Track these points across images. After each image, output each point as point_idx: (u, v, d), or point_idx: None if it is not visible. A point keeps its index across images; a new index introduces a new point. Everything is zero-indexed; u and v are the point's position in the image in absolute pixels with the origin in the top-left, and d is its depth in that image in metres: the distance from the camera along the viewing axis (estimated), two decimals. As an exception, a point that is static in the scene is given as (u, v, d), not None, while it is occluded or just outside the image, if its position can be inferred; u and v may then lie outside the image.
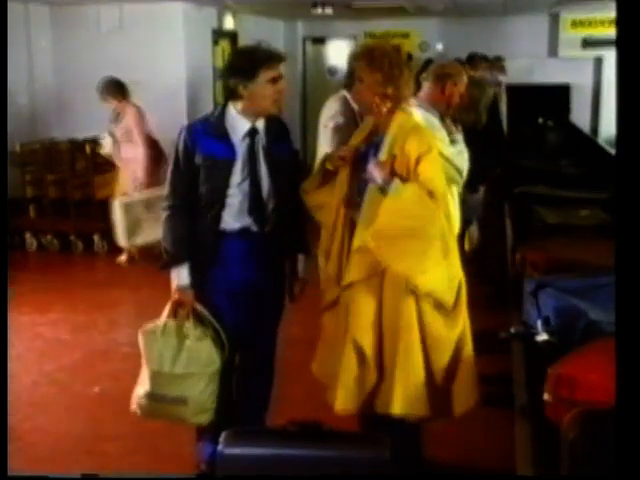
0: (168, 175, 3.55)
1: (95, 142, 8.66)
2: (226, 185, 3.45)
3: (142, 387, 3.59)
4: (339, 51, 13.25)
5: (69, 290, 7.45)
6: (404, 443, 3.44)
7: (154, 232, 7.50)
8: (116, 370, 5.10)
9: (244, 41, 11.06)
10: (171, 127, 8.58)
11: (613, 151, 6.49)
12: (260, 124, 3.50)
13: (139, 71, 9.75)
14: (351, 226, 3.38)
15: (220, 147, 3.44)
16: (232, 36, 11.57)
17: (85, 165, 8.59)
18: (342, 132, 3.96)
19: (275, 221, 3.56)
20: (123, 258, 8.07)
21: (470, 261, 5.41)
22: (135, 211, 7.47)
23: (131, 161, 7.82)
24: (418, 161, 3.23)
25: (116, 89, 7.85)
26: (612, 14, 11.15)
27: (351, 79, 3.46)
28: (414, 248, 3.24)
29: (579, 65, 12.94)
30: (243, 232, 3.53)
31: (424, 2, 11.07)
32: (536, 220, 4.98)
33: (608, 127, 12.03)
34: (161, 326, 3.54)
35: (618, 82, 2.01)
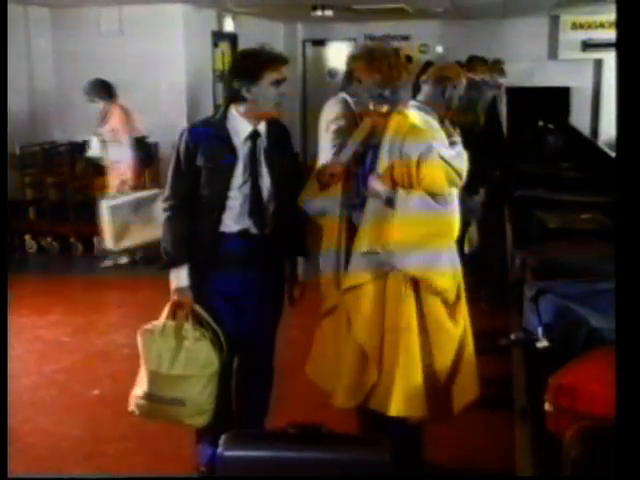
0: (168, 176, 3.54)
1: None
2: (227, 187, 3.45)
3: (140, 387, 3.59)
4: (339, 53, 13.25)
5: (69, 292, 7.45)
6: (404, 444, 3.45)
7: (142, 234, 7.54)
8: (116, 372, 5.10)
9: (244, 43, 11.07)
10: (171, 129, 8.61)
11: (613, 154, 6.48)
12: (262, 127, 3.50)
13: (139, 73, 9.79)
14: (348, 230, 3.39)
15: (221, 149, 3.44)
16: (232, 38, 11.58)
17: (85, 167, 8.58)
18: (344, 135, 3.96)
19: (275, 224, 3.56)
20: (109, 264, 8.04)
21: (470, 263, 5.41)
22: (123, 213, 7.45)
23: (119, 162, 7.76)
24: (419, 163, 3.24)
25: (102, 89, 7.79)
26: (612, 16, 11.17)
27: (348, 80, 3.46)
28: (430, 253, 3.30)
29: (579, 67, 12.96)
30: (243, 234, 3.53)
31: (424, 4, 11.08)
32: (536, 224, 4.95)
33: (608, 129, 12.04)
34: (160, 327, 3.54)
35: (618, 84, 2.01)
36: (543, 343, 3.12)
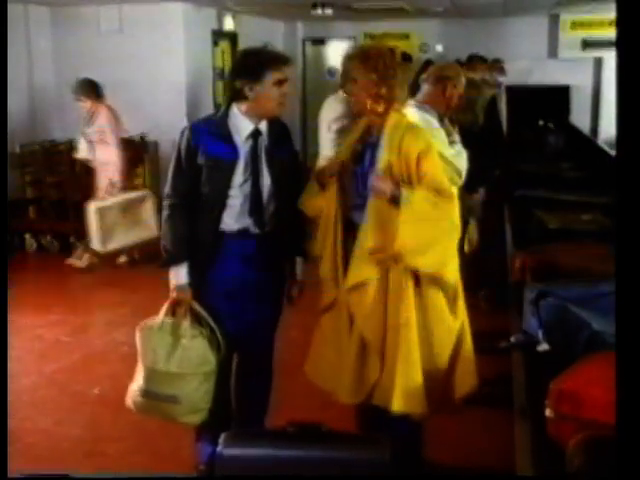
0: (169, 174, 3.55)
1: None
2: (228, 186, 3.45)
3: (137, 383, 3.60)
4: (339, 52, 13.23)
5: (69, 291, 7.46)
6: (405, 443, 3.46)
7: (130, 236, 7.51)
8: (115, 371, 5.09)
9: (244, 42, 11.07)
10: (170, 127, 8.62)
11: (614, 153, 6.46)
12: (263, 126, 3.50)
13: (138, 72, 9.79)
14: (346, 228, 3.38)
15: (223, 148, 3.44)
16: (232, 37, 11.57)
17: (85, 166, 8.57)
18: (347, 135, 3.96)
19: (275, 223, 3.56)
20: (78, 263, 8.00)
21: (470, 262, 5.41)
22: (110, 215, 7.41)
23: (106, 163, 7.68)
24: (419, 160, 3.25)
25: (90, 89, 7.69)
26: (612, 15, 11.16)
27: (344, 80, 3.46)
28: (437, 249, 3.31)
29: (579, 66, 12.94)
30: (243, 233, 3.53)
31: (424, 3, 11.08)
32: (536, 225, 4.92)
33: (608, 128, 12.03)
34: (158, 323, 3.54)
35: (618, 83, 2.01)
36: (544, 346, 3.11)
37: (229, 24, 11.46)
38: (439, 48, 13.43)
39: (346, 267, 3.38)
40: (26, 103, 9.59)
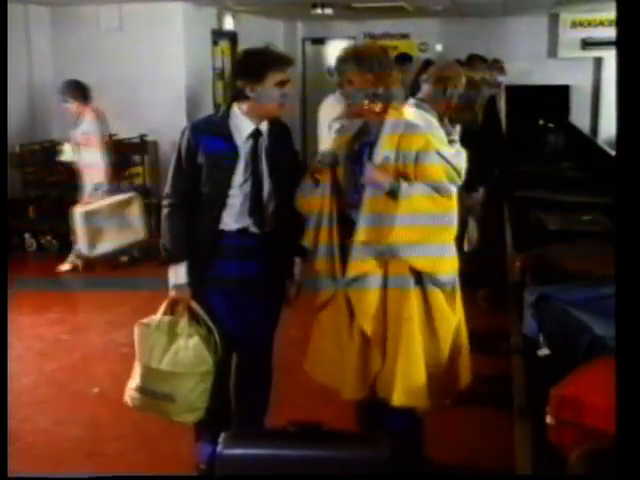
0: (169, 173, 3.55)
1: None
2: (227, 185, 3.45)
3: (134, 380, 3.62)
4: (339, 52, 13.21)
5: (68, 291, 7.46)
6: (405, 441, 3.46)
7: (117, 239, 7.49)
8: (115, 370, 5.09)
9: (244, 42, 11.06)
10: (170, 127, 8.62)
11: (613, 152, 6.44)
12: (263, 126, 3.50)
13: (138, 71, 9.79)
14: (343, 225, 3.38)
15: (223, 147, 3.44)
16: (232, 36, 11.56)
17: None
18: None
19: (275, 223, 3.56)
20: (66, 267, 7.95)
21: (469, 262, 5.41)
22: (96, 219, 7.38)
23: (91, 166, 7.61)
24: (417, 157, 3.25)
25: (77, 91, 7.64)
26: (612, 14, 11.16)
27: (339, 82, 3.46)
28: (432, 245, 3.30)
29: (579, 66, 12.93)
30: (242, 233, 3.53)
31: (424, 2, 11.07)
32: (536, 226, 4.88)
33: (608, 128, 12.02)
34: (155, 321, 3.55)
35: (618, 83, 2.00)
36: (544, 351, 3.06)
37: (229, 24, 11.45)
38: (439, 47, 13.42)
39: (343, 263, 3.38)
40: (26, 103, 9.59)
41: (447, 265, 3.37)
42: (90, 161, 7.59)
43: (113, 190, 7.66)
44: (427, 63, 9.57)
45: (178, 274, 3.54)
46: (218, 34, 11.15)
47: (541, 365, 3.05)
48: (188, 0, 9.94)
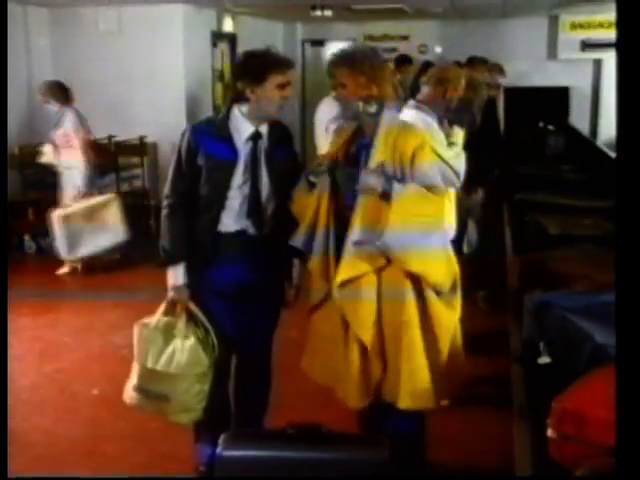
0: (169, 174, 3.55)
1: (96, 144, 8.64)
2: (226, 187, 3.45)
3: (132, 379, 3.63)
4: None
5: (68, 292, 7.45)
6: (409, 442, 3.47)
7: (95, 242, 7.46)
8: (115, 372, 5.08)
9: (243, 43, 11.07)
10: (170, 128, 8.62)
11: (613, 154, 6.43)
12: (263, 128, 3.50)
13: (138, 73, 9.79)
14: (341, 227, 3.38)
15: (223, 148, 3.44)
16: (231, 38, 11.57)
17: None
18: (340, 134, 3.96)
19: (273, 225, 3.56)
20: (65, 270, 7.92)
21: (469, 263, 5.41)
22: (75, 222, 7.34)
23: (71, 168, 7.59)
24: (413, 156, 3.25)
25: (59, 92, 7.62)
26: (611, 16, 11.16)
27: (333, 86, 3.45)
28: (427, 246, 3.29)
29: (578, 67, 12.94)
30: (240, 234, 3.53)
31: (423, 5, 11.07)
32: (536, 230, 4.82)
33: (607, 130, 12.03)
34: (153, 322, 3.56)
35: (618, 84, 2.00)
36: (544, 359, 3.00)
37: (228, 25, 11.46)
38: (438, 49, 13.42)
39: (337, 265, 3.37)
40: (25, 105, 9.58)
41: (436, 267, 3.34)
42: (69, 163, 7.57)
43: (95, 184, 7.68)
44: (426, 65, 9.56)
45: (176, 275, 3.54)
46: (217, 36, 11.16)
47: (541, 373, 2.99)
48: (187, 2, 9.95)
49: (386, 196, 3.21)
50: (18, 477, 3.51)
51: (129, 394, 3.65)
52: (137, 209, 9.31)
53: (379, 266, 3.29)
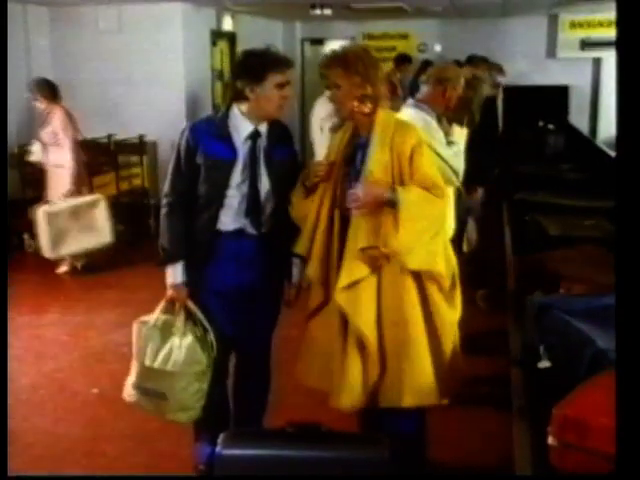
0: (169, 172, 3.55)
1: (94, 143, 8.63)
2: (225, 185, 3.45)
3: (131, 377, 3.64)
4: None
5: (68, 291, 7.45)
6: (410, 442, 3.47)
7: (80, 242, 7.42)
8: (114, 371, 5.08)
9: (243, 42, 11.08)
10: (169, 127, 8.61)
11: (613, 153, 6.41)
12: (263, 127, 3.50)
13: (137, 71, 9.80)
14: (343, 228, 3.38)
15: (222, 147, 3.44)
16: (230, 37, 11.58)
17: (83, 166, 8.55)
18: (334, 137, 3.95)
19: (272, 224, 3.56)
20: (64, 269, 7.89)
21: (469, 262, 5.41)
22: (60, 220, 7.27)
23: (60, 167, 7.51)
24: (412, 155, 3.25)
25: (46, 89, 7.55)
26: (611, 15, 11.17)
27: (328, 84, 3.44)
28: (433, 246, 3.30)
29: (578, 66, 12.94)
30: (239, 233, 3.53)
31: (423, 3, 11.08)
32: (536, 231, 4.77)
33: (607, 128, 12.04)
34: (152, 320, 3.57)
35: (618, 83, 2.00)
36: (545, 363, 2.94)
37: (228, 24, 11.46)
38: (438, 48, 13.43)
39: (338, 269, 3.37)
40: (25, 104, 9.56)
41: (441, 260, 3.36)
42: (58, 161, 7.52)
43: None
44: (426, 64, 9.57)
45: (175, 274, 3.54)
46: (217, 34, 11.17)
47: (541, 378, 2.95)
48: (187, 1, 9.95)
49: (391, 203, 3.20)
50: (18, 476, 3.52)
51: (128, 392, 3.66)
52: (137, 208, 9.33)
53: (380, 266, 3.30)
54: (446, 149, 4.46)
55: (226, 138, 3.44)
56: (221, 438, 2.82)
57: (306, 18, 12.90)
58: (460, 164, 4.57)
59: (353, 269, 3.29)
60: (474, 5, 11.29)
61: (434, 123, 4.49)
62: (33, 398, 4.97)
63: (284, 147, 3.60)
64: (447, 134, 4.62)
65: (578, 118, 12.33)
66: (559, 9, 12.19)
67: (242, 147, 3.45)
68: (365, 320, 3.31)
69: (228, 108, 3.51)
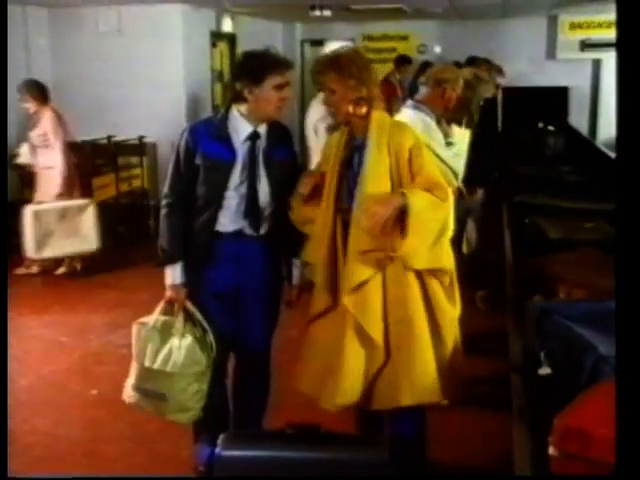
0: (168, 173, 3.56)
1: (94, 144, 8.62)
2: (224, 186, 3.45)
3: (131, 378, 3.64)
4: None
5: (67, 292, 7.45)
6: (410, 442, 3.46)
7: (64, 246, 7.37)
8: (114, 372, 5.08)
9: (242, 43, 11.08)
10: (169, 128, 8.61)
11: (613, 154, 6.39)
12: (262, 128, 3.50)
13: (137, 73, 9.80)
14: (343, 233, 3.38)
15: (221, 149, 3.44)
16: (230, 38, 11.58)
17: (83, 167, 8.53)
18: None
19: (271, 225, 3.56)
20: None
21: (468, 263, 5.41)
22: (46, 221, 7.26)
23: (50, 168, 7.46)
24: (411, 156, 3.26)
25: (36, 91, 7.51)
26: (610, 16, 11.18)
27: (322, 88, 3.44)
28: (439, 246, 3.32)
29: (577, 67, 12.95)
30: (238, 234, 3.53)
31: (422, 5, 11.08)
32: (536, 234, 4.73)
33: (606, 129, 12.04)
34: (151, 321, 3.57)
35: (618, 84, 2.00)
36: (545, 370, 2.89)
37: (227, 25, 11.46)
38: (437, 49, 13.44)
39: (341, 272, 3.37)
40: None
41: (447, 255, 3.38)
42: (47, 163, 7.47)
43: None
44: (425, 65, 9.58)
45: (174, 274, 3.55)
46: (217, 36, 11.17)
47: (542, 385, 2.90)
48: (187, 2, 9.95)
49: (400, 208, 3.19)
50: (18, 477, 3.51)
51: (128, 393, 3.65)
52: (136, 209, 9.32)
53: (384, 267, 3.31)
54: (445, 150, 4.46)
55: (225, 139, 3.45)
56: (221, 439, 2.82)
57: (306, 19, 12.90)
58: (459, 165, 4.57)
59: (357, 272, 3.30)
60: (474, 6, 11.29)
61: (433, 124, 4.50)
62: (33, 399, 4.97)
63: (284, 148, 3.60)
64: (446, 135, 4.62)
65: (578, 119, 12.32)
66: (559, 10, 12.21)
67: (241, 148, 3.46)
68: (373, 321, 3.32)
69: (227, 109, 3.51)
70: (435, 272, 3.34)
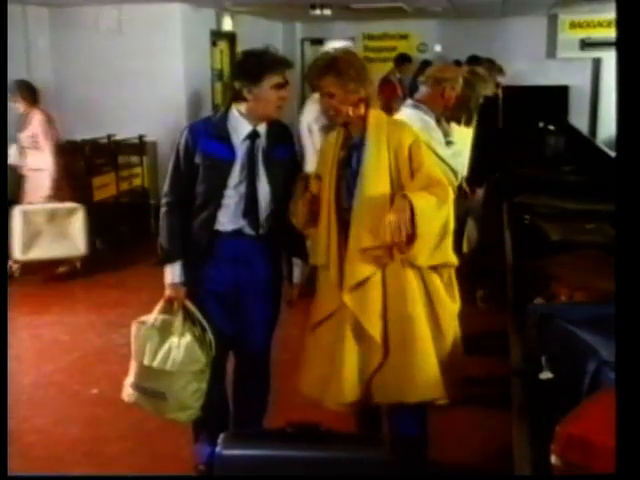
0: (168, 173, 3.56)
1: (94, 143, 8.61)
2: (223, 186, 3.45)
3: (130, 377, 3.64)
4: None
5: (68, 291, 7.44)
6: (413, 442, 3.46)
7: (51, 249, 7.32)
8: (114, 371, 5.07)
9: (242, 42, 11.07)
10: (169, 127, 8.60)
11: (613, 154, 6.37)
12: (262, 127, 3.50)
13: (137, 72, 9.79)
14: (344, 232, 3.38)
15: (220, 148, 3.44)
16: (230, 37, 11.57)
17: (83, 166, 8.54)
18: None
19: (270, 224, 3.56)
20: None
21: (469, 263, 5.41)
22: (35, 221, 7.22)
23: (39, 170, 7.41)
24: (411, 153, 3.27)
25: (26, 91, 7.45)
26: (610, 15, 11.18)
27: (320, 92, 3.44)
28: (444, 242, 3.33)
29: (577, 66, 12.95)
30: (237, 234, 3.53)
31: (422, 3, 11.07)
32: (537, 235, 4.70)
33: (606, 129, 12.03)
34: (151, 320, 3.57)
35: (618, 83, 2.00)
36: (547, 374, 2.83)
37: (228, 24, 11.46)
38: (438, 48, 13.44)
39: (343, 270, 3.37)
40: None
41: (450, 249, 3.39)
42: (36, 165, 7.43)
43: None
44: (425, 64, 9.57)
45: (174, 273, 3.55)
46: (217, 35, 11.17)
47: (543, 389, 2.84)
48: (187, 1, 9.95)
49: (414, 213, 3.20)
50: (17, 476, 3.51)
51: (127, 392, 3.66)
52: (137, 208, 9.32)
53: (385, 264, 3.31)
54: (445, 149, 4.46)
55: (225, 138, 3.45)
56: (221, 438, 2.82)
57: (306, 18, 12.90)
58: (458, 164, 4.57)
59: (357, 270, 3.30)
60: (474, 5, 11.29)
61: (432, 123, 4.49)
62: (33, 398, 4.97)
63: (284, 147, 3.60)
64: (446, 134, 4.62)
65: (578, 118, 12.32)
66: (559, 9, 12.20)
67: (240, 147, 3.46)
68: (372, 318, 3.32)
69: (227, 108, 3.51)
70: (436, 266, 3.35)
